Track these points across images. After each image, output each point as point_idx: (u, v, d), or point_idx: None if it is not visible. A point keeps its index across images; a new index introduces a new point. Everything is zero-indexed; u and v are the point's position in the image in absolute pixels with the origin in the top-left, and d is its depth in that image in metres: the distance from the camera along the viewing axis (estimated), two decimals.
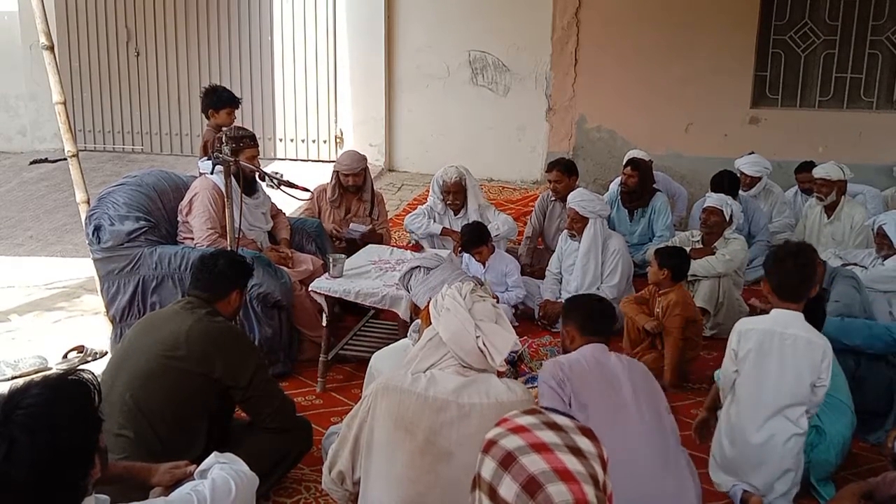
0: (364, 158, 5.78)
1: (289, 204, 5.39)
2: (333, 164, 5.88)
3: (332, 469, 2.50)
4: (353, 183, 5.65)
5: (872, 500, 2.81)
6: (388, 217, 6.21)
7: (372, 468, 2.38)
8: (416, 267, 3.64)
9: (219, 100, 5.59)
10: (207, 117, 5.67)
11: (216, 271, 3.28)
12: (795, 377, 3.22)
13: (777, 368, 3.23)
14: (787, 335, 3.22)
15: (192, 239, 4.62)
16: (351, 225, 5.59)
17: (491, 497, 1.56)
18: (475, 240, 5.33)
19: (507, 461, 1.55)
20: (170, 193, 4.79)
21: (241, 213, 4.43)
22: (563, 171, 6.03)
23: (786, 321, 3.25)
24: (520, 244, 6.36)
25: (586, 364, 2.92)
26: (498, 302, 5.05)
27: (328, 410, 4.14)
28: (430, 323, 2.54)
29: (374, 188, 5.92)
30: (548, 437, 1.59)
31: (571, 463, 1.55)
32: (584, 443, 1.61)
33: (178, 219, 4.71)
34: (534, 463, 1.53)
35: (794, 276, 3.25)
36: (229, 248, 3.89)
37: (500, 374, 2.51)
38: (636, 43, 8.35)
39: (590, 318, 3.11)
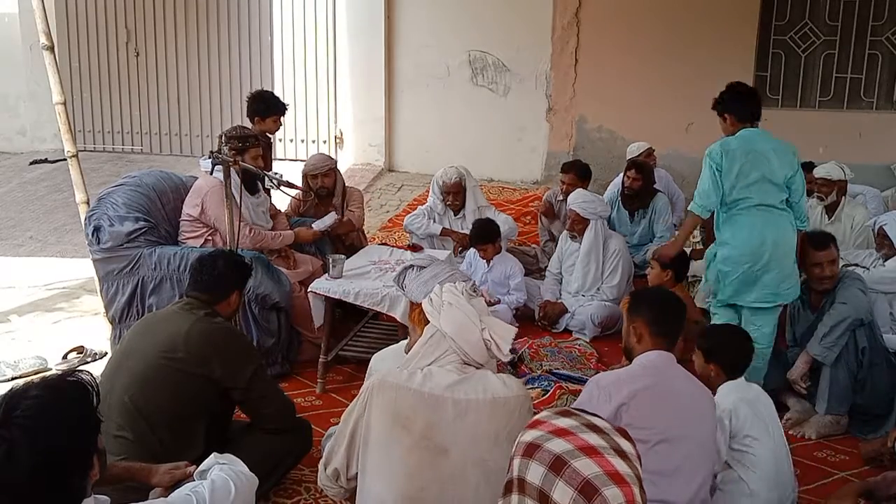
0: (332, 159, 5.59)
1: (284, 202, 5.39)
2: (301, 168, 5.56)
3: (327, 466, 2.51)
4: (322, 185, 5.36)
5: (872, 500, 2.82)
6: (389, 216, 6.17)
7: (369, 464, 2.38)
8: (410, 266, 3.66)
9: (266, 107, 5.46)
10: (252, 122, 5.50)
11: (215, 272, 3.28)
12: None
13: (772, 425, 3.23)
14: (760, 394, 3.28)
15: (196, 238, 4.61)
16: (314, 224, 5.13)
17: (542, 502, 1.56)
18: (485, 236, 5.33)
19: (558, 465, 1.55)
20: (169, 194, 4.78)
21: (241, 212, 4.44)
22: (578, 176, 6.02)
23: (746, 386, 3.27)
24: (520, 244, 6.37)
25: (649, 386, 2.74)
26: (499, 303, 5.11)
27: (328, 411, 4.13)
28: (421, 322, 2.54)
29: (346, 186, 5.59)
30: (593, 439, 1.59)
31: (620, 465, 1.56)
32: (625, 444, 1.62)
33: (182, 219, 4.69)
34: (587, 467, 1.54)
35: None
36: (228, 249, 3.88)
37: (499, 370, 2.51)
38: (637, 43, 8.34)
39: (663, 311, 2.89)
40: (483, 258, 5.36)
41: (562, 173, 6.26)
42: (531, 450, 1.60)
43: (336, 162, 5.62)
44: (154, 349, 3.05)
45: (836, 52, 8.23)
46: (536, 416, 1.69)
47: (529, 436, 1.63)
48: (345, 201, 5.50)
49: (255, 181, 4.74)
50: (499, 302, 5.15)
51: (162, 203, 4.73)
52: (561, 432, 1.61)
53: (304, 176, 5.44)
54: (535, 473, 1.57)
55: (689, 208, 4.27)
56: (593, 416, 1.68)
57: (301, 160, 9.31)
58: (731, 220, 4.13)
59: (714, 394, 3.08)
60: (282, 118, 5.56)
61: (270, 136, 5.64)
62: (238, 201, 4.31)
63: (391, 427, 2.34)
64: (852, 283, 4.09)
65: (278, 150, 9.44)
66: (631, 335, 2.91)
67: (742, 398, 3.17)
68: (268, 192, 5.12)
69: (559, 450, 1.57)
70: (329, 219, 5.13)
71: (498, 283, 5.31)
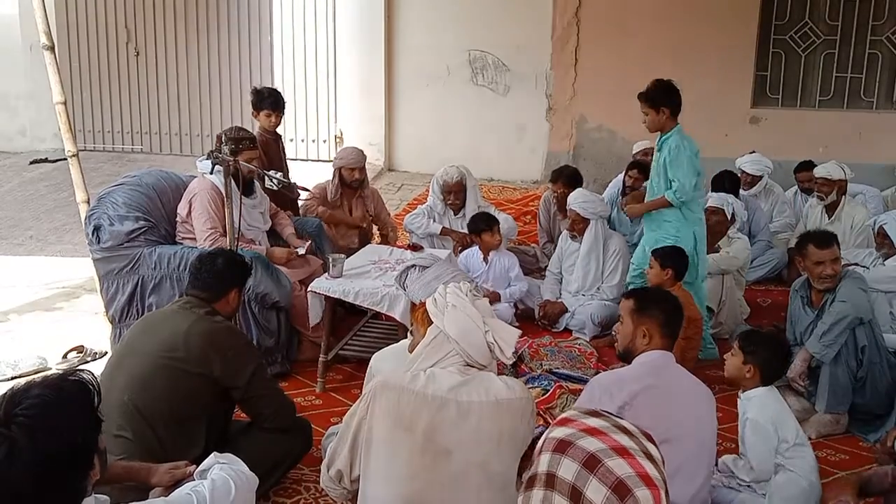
0: (365, 154, 5.76)
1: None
2: (333, 162, 5.82)
3: (330, 467, 2.51)
4: (358, 177, 5.61)
5: (866, 493, 2.84)
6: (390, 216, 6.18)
7: (371, 466, 2.38)
8: (412, 266, 3.66)
9: (259, 101, 5.52)
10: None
11: (215, 271, 3.28)
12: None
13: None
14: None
15: (192, 239, 4.62)
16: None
17: (573, 498, 1.57)
18: (484, 221, 5.31)
19: (592, 463, 1.56)
20: (169, 193, 4.78)
21: (240, 214, 4.43)
22: (567, 183, 5.94)
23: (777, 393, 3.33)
24: (520, 244, 6.35)
25: (651, 386, 2.79)
26: (500, 298, 5.10)
27: (328, 411, 4.13)
28: (425, 322, 2.54)
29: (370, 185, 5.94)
30: (624, 441, 1.61)
31: (650, 468, 1.58)
32: (652, 448, 1.64)
33: (177, 220, 4.70)
34: (620, 467, 1.55)
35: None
36: (229, 248, 3.88)
37: (499, 372, 2.51)
38: (636, 42, 8.34)
39: (673, 312, 2.96)
40: (484, 251, 5.32)
41: (550, 183, 6.19)
42: (563, 446, 1.61)
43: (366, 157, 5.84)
44: (154, 348, 3.06)
45: (836, 52, 8.24)
46: (564, 415, 1.71)
47: (560, 432, 1.64)
48: (373, 202, 5.82)
49: (251, 183, 4.74)
50: (499, 297, 5.14)
51: (162, 202, 4.73)
52: (593, 431, 1.62)
53: (339, 169, 5.63)
54: (568, 469, 1.58)
55: (667, 197, 4.61)
56: (621, 419, 1.70)
57: (301, 159, 9.37)
58: (696, 201, 4.66)
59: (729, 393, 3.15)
60: (275, 114, 5.53)
61: (270, 132, 5.59)
62: (233, 201, 4.30)
63: (393, 429, 2.34)
64: (853, 281, 4.09)
65: None
66: (639, 336, 2.93)
67: (783, 408, 3.24)
68: (289, 188, 5.09)
69: (593, 448, 1.58)
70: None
71: (499, 278, 5.30)
